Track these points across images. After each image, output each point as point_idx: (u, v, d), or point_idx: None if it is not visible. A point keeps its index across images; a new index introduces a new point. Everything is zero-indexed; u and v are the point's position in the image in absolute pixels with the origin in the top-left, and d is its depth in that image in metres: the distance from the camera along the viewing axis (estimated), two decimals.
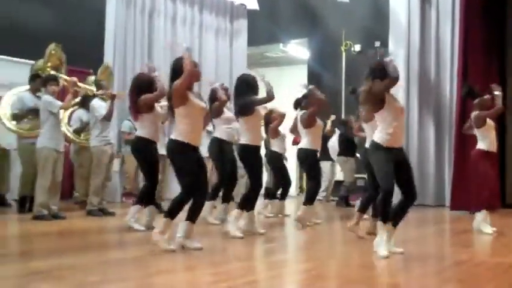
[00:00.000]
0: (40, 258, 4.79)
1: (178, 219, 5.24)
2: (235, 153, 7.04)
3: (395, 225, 5.16)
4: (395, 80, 5.03)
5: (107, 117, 7.96)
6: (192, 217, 5.21)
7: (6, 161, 8.96)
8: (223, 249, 5.57)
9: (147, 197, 6.66)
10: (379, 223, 5.10)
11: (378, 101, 5.11)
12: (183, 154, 5.20)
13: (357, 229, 6.24)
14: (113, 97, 7.96)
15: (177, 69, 5.25)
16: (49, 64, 8.07)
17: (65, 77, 7.96)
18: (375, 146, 5.16)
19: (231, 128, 7.41)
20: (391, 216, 5.11)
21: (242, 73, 7.05)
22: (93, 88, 8.25)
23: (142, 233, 6.35)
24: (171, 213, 5.15)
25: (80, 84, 7.91)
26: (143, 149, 6.60)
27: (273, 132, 8.60)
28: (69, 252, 5.02)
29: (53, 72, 7.91)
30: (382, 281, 4.27)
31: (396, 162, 5.09)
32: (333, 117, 10.69)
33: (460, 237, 7.00)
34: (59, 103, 7.46)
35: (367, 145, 6.30)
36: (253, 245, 5.82)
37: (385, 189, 5.05)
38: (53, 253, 5.03)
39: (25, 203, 8.17)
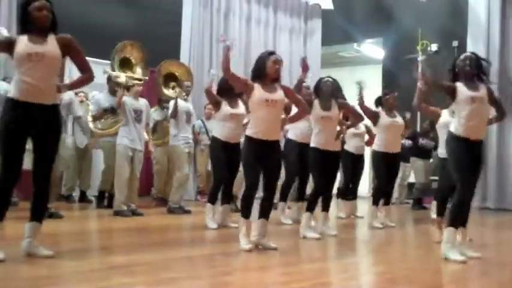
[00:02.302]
0: (118, 253, 4.93)
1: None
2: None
3: (464, 225, 4.95)
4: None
5: (172, 115, 8.08)
6: (265, 214, 5.21)
7: (86, 159, 9.21)
8: (296, 249, 5.59)
9: (216, 196, 6.78)
10: (451, 229, 4.85)
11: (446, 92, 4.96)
12: (247, 148, 5.13)
13: (438, 234, 5.92)
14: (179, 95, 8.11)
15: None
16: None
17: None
18: (450, 136, 4.94)
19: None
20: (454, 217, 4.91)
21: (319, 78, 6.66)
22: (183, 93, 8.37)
23: (217, 230, 6.46)
24: (243, 212, 5.17)
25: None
26: (215, 148, 6.74)
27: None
28: (146, 248, 5.14)
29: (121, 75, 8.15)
30: None
31: (472, 157, 4.84)
32: (408, 114, 10.53)
33: None
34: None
35: (440, 150, 6.21)
36: (326, 246, 5.81)
37: (465, 193, 4.80)
38: (131, 248, 5.16)
39: (103, 198, 8.43)
